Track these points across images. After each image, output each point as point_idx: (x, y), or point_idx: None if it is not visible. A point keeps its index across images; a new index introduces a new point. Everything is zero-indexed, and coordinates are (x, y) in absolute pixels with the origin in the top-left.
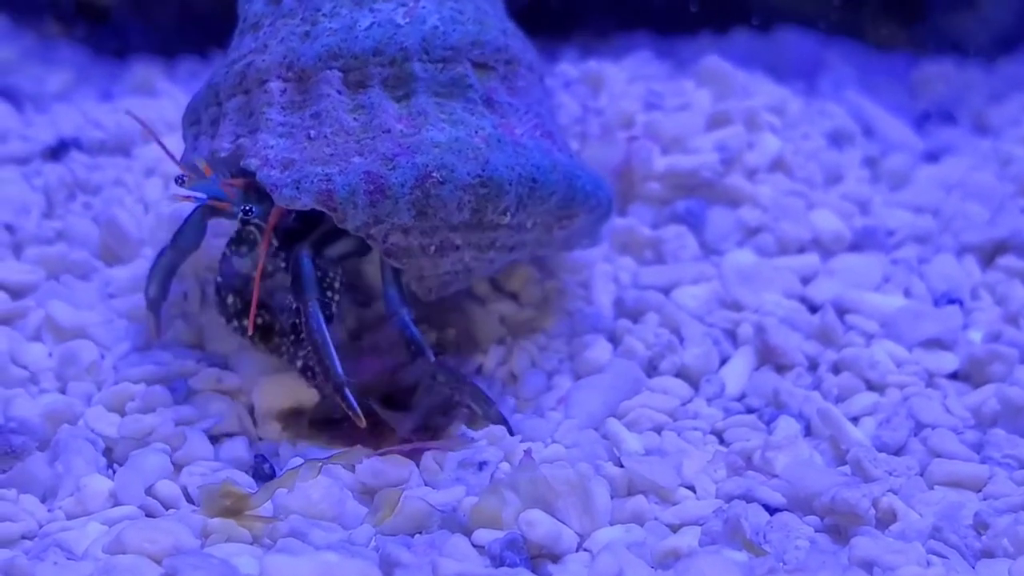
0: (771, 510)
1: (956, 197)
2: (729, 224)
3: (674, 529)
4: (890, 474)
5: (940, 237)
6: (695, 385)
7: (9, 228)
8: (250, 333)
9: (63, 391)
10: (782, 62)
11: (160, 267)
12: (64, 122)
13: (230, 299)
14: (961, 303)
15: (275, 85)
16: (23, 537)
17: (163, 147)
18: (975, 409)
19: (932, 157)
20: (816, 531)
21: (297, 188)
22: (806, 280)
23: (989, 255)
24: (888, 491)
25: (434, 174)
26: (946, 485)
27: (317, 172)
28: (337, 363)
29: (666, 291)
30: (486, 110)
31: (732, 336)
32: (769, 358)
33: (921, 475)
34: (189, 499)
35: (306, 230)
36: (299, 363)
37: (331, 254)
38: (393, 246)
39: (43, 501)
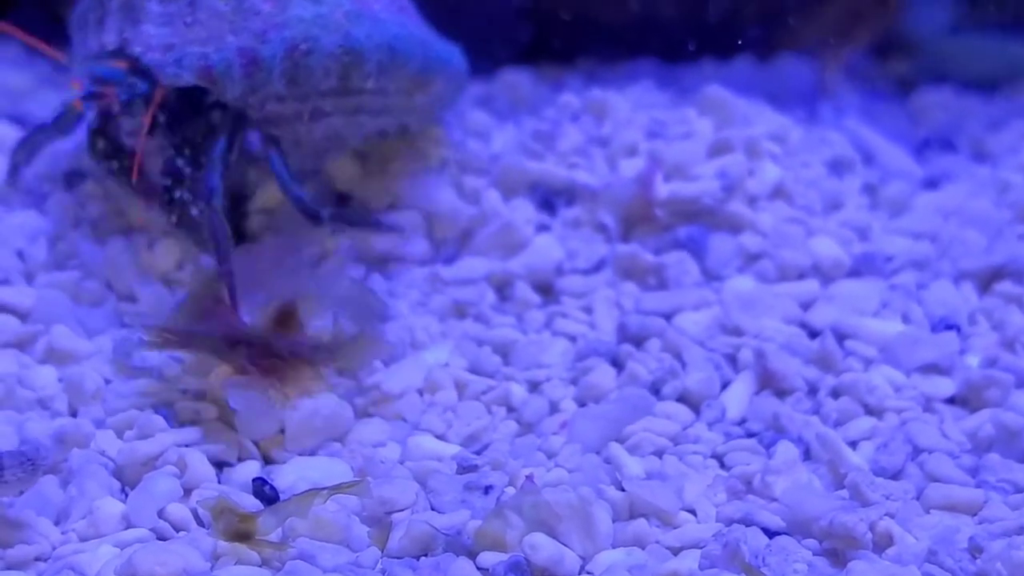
0: (770, 534)
1: (954, 224)
2: (730, 250)
3: (675, 552)
4: (887, 498)
5: (938, 263)
6: (696, 409)
7: (20, 255)
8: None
9: (74, 415)
10: (784, 89)
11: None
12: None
13: (100, 144)
14: (958, 329)
15: None
16: (37, 559)
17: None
18: (971, 434)
19: (931, 184)
20: (814, 555)
21: (179, 65)
22: (806, 306)
23: (986, 281)
24: (885, 515)
25: (301, 45)
26: (942, 509)
27: (195, 51)
28: (231, 255)
29: (668, 316)
30: None
31: (733, 361)
32: (769, 383)
33: (917, 499)
34: (200, 522)
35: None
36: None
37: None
38: (270, 113)
39: (56, 524)
